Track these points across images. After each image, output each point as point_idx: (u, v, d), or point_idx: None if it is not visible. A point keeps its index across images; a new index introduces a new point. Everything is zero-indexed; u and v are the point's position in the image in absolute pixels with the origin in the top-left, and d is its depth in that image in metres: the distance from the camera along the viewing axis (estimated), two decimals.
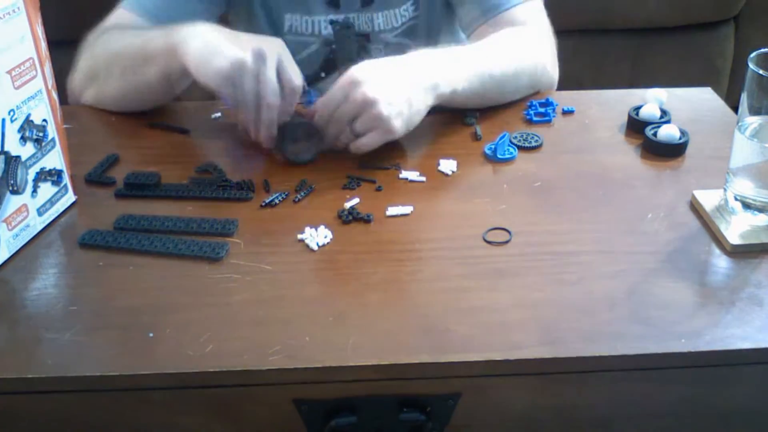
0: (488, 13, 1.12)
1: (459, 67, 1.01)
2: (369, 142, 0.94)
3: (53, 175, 0.87)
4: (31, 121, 0.83)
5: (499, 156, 0.97)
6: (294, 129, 0.95)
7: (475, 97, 1.03)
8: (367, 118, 0.92)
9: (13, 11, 0.79)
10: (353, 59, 0.97)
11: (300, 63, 0.97)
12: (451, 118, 1.06)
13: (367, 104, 0.91)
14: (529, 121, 1.06)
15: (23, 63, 0.81)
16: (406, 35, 1.21)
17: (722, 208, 0.86)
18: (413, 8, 1.19)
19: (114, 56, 1.05)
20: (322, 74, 0.97)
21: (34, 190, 0.84)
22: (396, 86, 0.94)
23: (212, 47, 0.94)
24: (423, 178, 0.94)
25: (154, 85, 1.02)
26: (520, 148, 1.00)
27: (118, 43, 1.06)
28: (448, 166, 0.96)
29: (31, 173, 0.84)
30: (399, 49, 1.17)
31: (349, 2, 1.16)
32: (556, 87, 1.15)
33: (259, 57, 0.91)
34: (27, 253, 0.83)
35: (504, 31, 1.09)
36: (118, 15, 1.12)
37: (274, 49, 0.93)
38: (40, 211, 0.86)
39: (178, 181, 0.94)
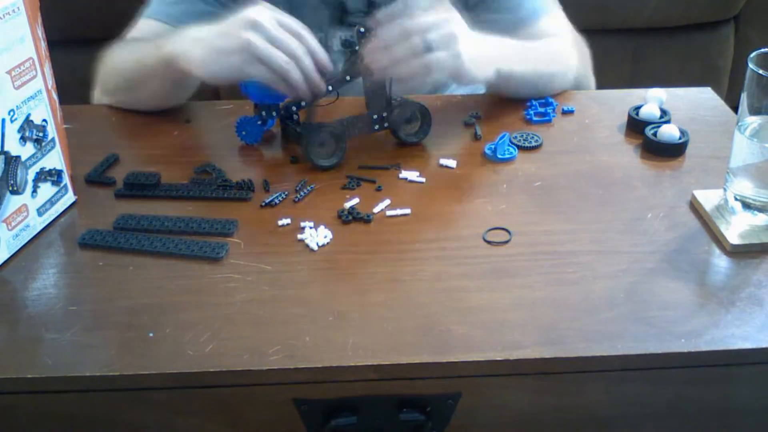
0: (519, 23, 1.11)
1: (518, 55, 1.04)
2: (435, 59, 0.89)
3: (53, 175, 0.87)
4: (31, 121, 0.83)
5: (499, 156, 0.97)
6: (320, 132, 0.95)
7: (525, 86, 1.08)
8: (442, 34, 0.90)
9: (13, 11, 0.79)
10: None
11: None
12: (451, 118, 1.06)
13: (448, 21, 0.91)
14: (529, 121, 1.06)
15: (23, 63, 0.81)
16: None
17: (722, 208, 0.86)
18: None
19: (119, 73, 1.08)
20: (347, 77, 0.97)
21: (34, 190, 0.84)
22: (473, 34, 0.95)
23: (210, 49, 0.92)
24: (423, 179, 0.94)
25: (165, 94, 1.06)
26: (520, 148, 1.00)
27: (120, 59, 1.08)
28: (448, 165, 0.96)
29: (31, 173, 0.84)
30: None
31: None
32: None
33: (256, 26, 0.89)
34: (27, 253, 0.83)
35: (547, 39, 1.11)
36: (140, 26, 1.13)
37: (262, 12, 0.91)
38: (40, 211, 0.86)
39: (178, 181, 0.94)
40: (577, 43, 1.15)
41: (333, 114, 0.99)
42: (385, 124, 0.99)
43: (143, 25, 1.13)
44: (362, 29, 0.93)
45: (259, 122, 1.00)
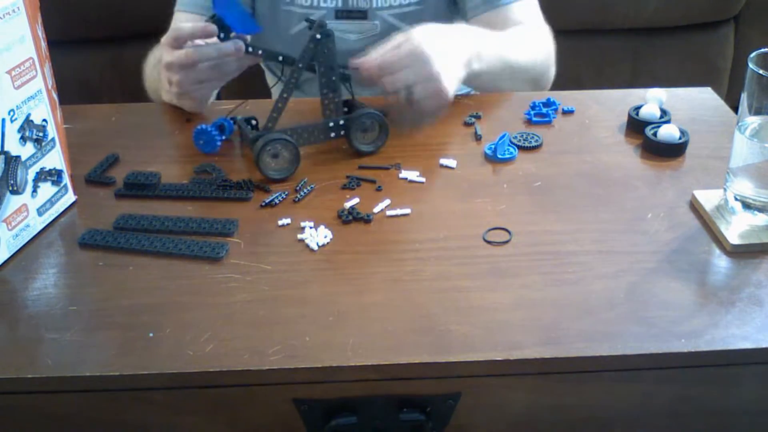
0: (489, 3, 1.16)
1: (487, 48, 1.06)
2: (429, 113, 0.97)
3: (53, 175, 0.87)
4: (31, 121, 0.83)
5: (499, 156, 0.97)
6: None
7: (491, 81, 1.09)
8: (430, 89, 0.95)
9: (13, 11, 0.79)
10: (334, 68, 0.95)
11: (296, 36, 1.05)
12: (451, 118, 1.06)
13: (432, 78, 0.95)
14: (529, 121, 1.06)
15: (23, 63, 0.81)
16: (403, 19, 1.22)
17: (722, 208, 0.86)
18: None
19: (149, 76, 1.21)
20: (300, 65, 0.95)
21: (34, 190, 0.84)
22: (449, 57, 0.98)
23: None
24: (423, 179, 0.94)
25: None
26: (520, 148, 1.00)
27: (149, 66, 1.20)
28: (448, 165, 0.96)
29: (31, 173, 0.84)
30: (395, 31, 1.19)
31: None
32: (549, 88, 1.19)
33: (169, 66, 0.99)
34: (27, 253, 0.83)
35: (518, 27, 1.14)
36: (175, 19, 1.21)
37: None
38: (40, 211, 0.86)
39: (178, 181, 0.94)
40: (543, 35, 1.17)
41: (288, 119, 0.97)
42: (342, 132, 0.97)
43: (176, 18, 1.21)
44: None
45: (216, 132, 0.98)
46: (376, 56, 0.96)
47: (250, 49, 0.97)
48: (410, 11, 1.21)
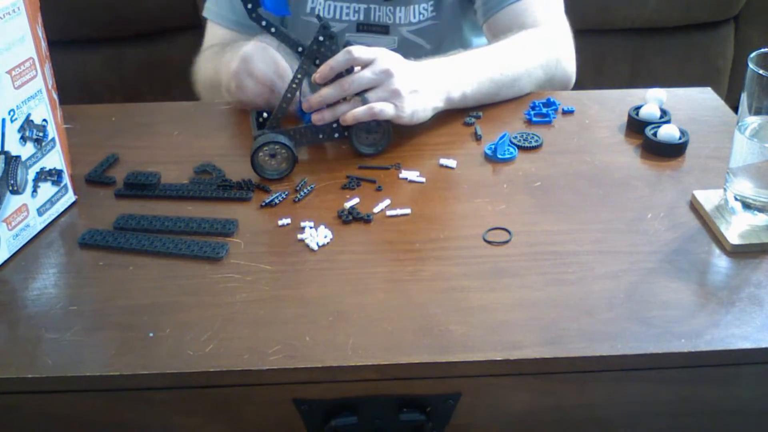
0: (501, 3, 1.15)
1: (469, 72, 1.05)
2: (378, 109, 0.94)
3: (53, 175, 0.87)
4: (31, 121, 0.83)
5: (499, 156, 0.97)
6: (271, 144, 0.93)
7: (488, 96, 1.08)
8: (383, 90, 0.95)
9: (13, 11, 0.79)
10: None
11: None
12: (451, 118, 1.06)
13: (388, 76, 0.94)
14: (529, 122, 1.06)
15: (23, 63, 0.81)
16: (420, 35, 1.22)
17: (722, 208, 0.86)
18: (432, 9, 1.21)
19: (207, 81, 1.20)
20: (296, 81, 0.95)
21: (34, 190, 0.84)
22: (416, 76, 0.98)
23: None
24: (423, 179, 0.94)
25: None
26: (520, 148, 1.00)
27: (205, 70, 1.21)
28: (448, 165, 0.96)
29: (31, 173, 0.84)
30: (412, 47, 1.20)
31: None
32: (574, 80, 1.16)
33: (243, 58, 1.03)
34: (27, 253, 0.83)
35: (519, 33, 1.12)
36: (209, 32, 1.26)
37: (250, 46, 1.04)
38: (40, 211, 0.86)
39: (178, 181, 0.94)
40: (547, 35, 1.13)
41: (293, 118, 0.98)
42: (345, 133, 0.97)
43: (210, 31, 1.25)
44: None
45: None
46: (329, 71, 0.94)
47: (273, 30, 0.94)
48: (427, 26, 1.21)
